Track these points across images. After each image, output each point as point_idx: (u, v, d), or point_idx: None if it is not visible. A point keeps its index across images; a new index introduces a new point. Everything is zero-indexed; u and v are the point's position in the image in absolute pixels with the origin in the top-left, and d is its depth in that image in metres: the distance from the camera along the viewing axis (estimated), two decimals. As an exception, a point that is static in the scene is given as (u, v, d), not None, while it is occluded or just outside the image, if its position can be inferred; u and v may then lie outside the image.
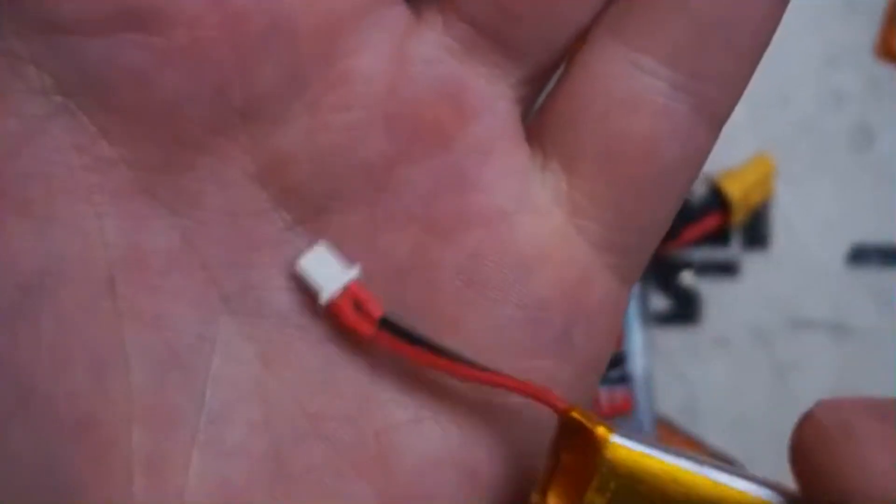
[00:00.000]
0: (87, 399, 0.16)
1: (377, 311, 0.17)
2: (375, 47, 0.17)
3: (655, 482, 0.15)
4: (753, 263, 0.40)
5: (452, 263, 0.17)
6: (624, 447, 0.15)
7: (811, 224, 0.40)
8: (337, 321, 0.17)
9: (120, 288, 0.16)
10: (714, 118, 0.17)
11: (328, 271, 0.17)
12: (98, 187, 0.16)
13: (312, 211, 0.17)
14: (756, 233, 0.40)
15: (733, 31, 0.17)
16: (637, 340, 0.39)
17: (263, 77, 0.16)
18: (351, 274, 0.17)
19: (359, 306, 0.17)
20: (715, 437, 0.39)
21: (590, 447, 0.16)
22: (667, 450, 0.16)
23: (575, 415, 0.16)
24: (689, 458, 0.16)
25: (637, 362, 0.39)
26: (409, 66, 0.17)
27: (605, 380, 0.38)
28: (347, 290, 0.17)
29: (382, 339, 0.17)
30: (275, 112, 0.16)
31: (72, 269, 0.16)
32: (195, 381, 0.16)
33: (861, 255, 0.40)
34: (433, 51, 0.17)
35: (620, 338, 0.39)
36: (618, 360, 0.39)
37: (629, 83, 0.17)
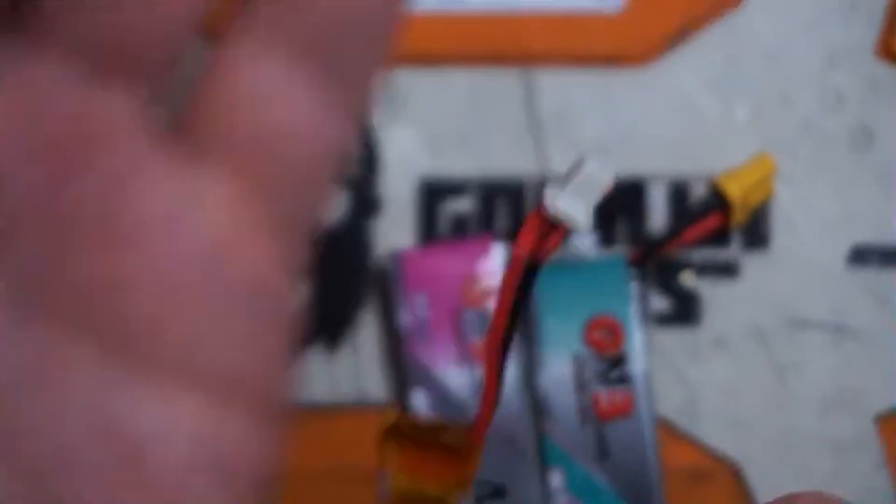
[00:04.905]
0: None
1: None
2: None
3: None
4: (753, 264, 0.40)
5: (134, 278, 0.17)
6: None
7: (811, 224, 0.40)
8: None
9: None
10: (346, 109, 0.18)
11: None
12: None
13: None
14: (756, 233, 0.40)
15: (360, 24, 0.17)
16: (637, 341, 0.39)
17: None
18: None
19: None
20: (715, 438, 0.39)
21: None
22: None
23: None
24: None
25: (637, 363, 0.39)
26: (34, 105, 0.17)
27: (605, 380, 0.38)
28: None
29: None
30: None
31: None
32: None
33: (861, 255, 0.40)
34: (53, 86, 0.17)
35: (619, 338, 0.39)
36: (618, 360, 0.39)
37: (259, 77, 0.17)
